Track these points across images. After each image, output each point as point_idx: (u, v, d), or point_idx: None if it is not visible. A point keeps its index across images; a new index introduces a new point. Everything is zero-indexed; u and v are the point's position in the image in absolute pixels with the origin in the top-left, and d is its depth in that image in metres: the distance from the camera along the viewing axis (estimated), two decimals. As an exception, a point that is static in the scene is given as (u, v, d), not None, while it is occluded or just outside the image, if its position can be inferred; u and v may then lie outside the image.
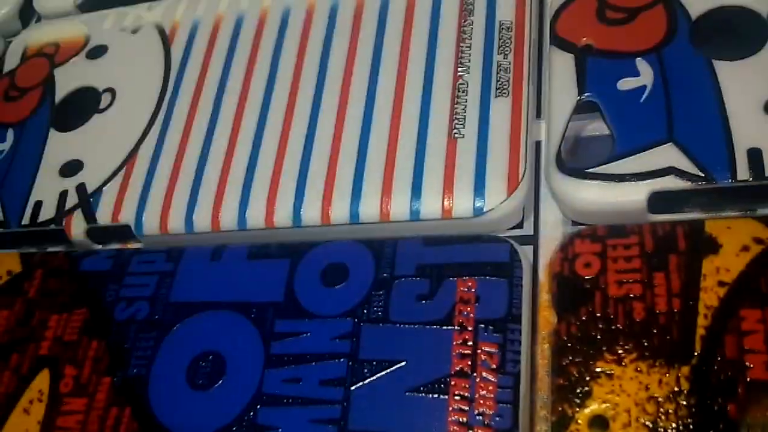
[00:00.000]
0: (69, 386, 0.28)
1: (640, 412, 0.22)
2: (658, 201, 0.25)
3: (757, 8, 0.27)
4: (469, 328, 0.25)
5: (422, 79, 0.30)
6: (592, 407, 0.22)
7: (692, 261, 0.24)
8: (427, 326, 0.25)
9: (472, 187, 0.27)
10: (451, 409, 0.23)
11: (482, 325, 0.25)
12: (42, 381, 0.28)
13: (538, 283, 0.26)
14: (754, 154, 0.25)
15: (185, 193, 0.31)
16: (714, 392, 0.22)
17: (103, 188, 0.32)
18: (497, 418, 0.23)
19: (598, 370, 0.23)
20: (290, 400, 0.25)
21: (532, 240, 0.27)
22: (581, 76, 0.28)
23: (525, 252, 0.26)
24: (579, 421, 0.22)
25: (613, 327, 0.23)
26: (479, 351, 0.24)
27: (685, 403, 0.22)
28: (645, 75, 0.27)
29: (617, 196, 0.25)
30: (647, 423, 0.22)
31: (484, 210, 0.27)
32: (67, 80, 0.37)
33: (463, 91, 0.29)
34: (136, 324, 0.28)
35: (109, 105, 0.35)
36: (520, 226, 0.28)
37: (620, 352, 0.23)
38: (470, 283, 0.25)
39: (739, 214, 0.25)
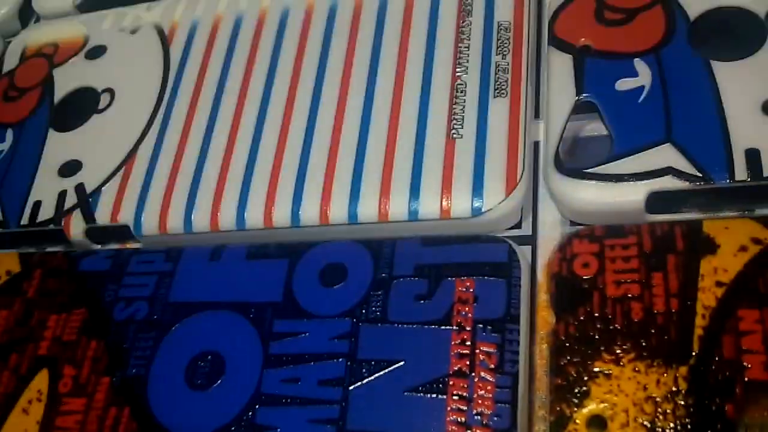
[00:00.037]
0: (68, 386, 0.28)
1: (638, 412, 0.22)
2: (656, 201, 0.25)
3: (755, 9, 0.27)
4: (468, 328, 0.25)
5: (421, 79, 0.30)
6: (591, 407, 0.22)
7: (690, 261, 0.24)
8: (426, 326, 0.25)
9: (471, 187, 0.27)
10: (449, 409, 0.23)
11: (480, 325, 0.25)
12: (41, 381, 0.29)
13: (536, 283, 0.26)
14: (752, 155, 0.25)
15: (184, 194, 0.31)
16: (712, 392, 0.22)
17: (102, 188, 0.32)
18: (495, 418, 0.23)
19: (596, 370, 0.23)
20: (289, 400, 0.25)
21: (531, 240, 0.27)
22: (579, 77, 0.28)
23: (523, 252, 0.26)
24: (577, 421, 0.22)
25: (611, 327, 0.23)
26: (477, 351, 0.24)
27: (683, 403, 0.22)
28: (643, 75, 0.27)
29: (615, 196, 0.26)
30: (645, 423, 0.22)
31: (483, 210, 0.27)
32: (66, 80, 0.37)
33: (461, 92, 0.29)
34: (135, 324, 0.28)
35: (108, 105, 0.35)
36: (518, 226, 0.28)
37: (618, 352, 0.23)
38: (468, 283, 0.25)
39: (737, 214, 0.25)
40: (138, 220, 0.31)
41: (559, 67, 0.28)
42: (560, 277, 0.25)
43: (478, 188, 0.27)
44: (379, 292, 0.26)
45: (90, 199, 0.32)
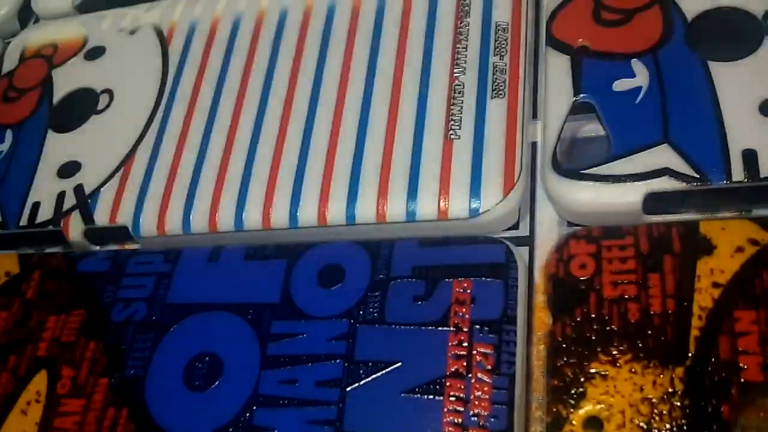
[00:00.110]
0: (66, 387, 0.28)
1: (635, 413, 0.22)
2: (654, 202, 0.25)
3: (752, 9, 0.27)
4: (465, 329, 0.25)
5: (418, 80, 0.30)
6: (587, 408, 0.22)
7: (687, 262, 0.24)
8: (423, 327, 0.25)
9: (468, 188, 0.27)
10: (446, 410, 0.23)
11: (477, 326, 0.25)
12: (39, 382, 0.29)
13: (533, 284, 0.26)
14: (749, 155, 0.25)
15: (182, 195, 0.31)
16: (708, 393, 0.22)
17: (101, 189, 0.32)
18: (492, 419, 0.23)
19: (592, 371, 0.23)
20: (286, 401, 0.25)
21: (528, 241, 0.27)
22: (577, 77, 0.28)
23: (521, 253, 0.26)
24: (573, 422, 0.22)
25: (607, 328, 0.23)
26: (474, 352, 0.24)
27: (679, 404, 0.22)
28: (640, 76, 0.27)
29: (612, 197, 0.26)
30: (641, 424, 0.22)
31: (480, 211, 0.27)
32: (65, 81, 0.37)
33: (459, 92, 0.29)
34: (134, 325, 0.29)
35: (107, 106, 0.35)
36: (515, 227, 0.28)
37: (615, 353, 0.23)
38: (466, 284, 0.25)
39: (734, 215, 0.25)
40: (137, 222, 0.31)
41: (557, 68, 0.28)
42: (557, 278, 0.25)
43: (475, 189, 0.27)
44: (377, 293, 0.26)
45: (89, 200, 0.32)
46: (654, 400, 0.22)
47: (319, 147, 0.30)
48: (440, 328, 0.25)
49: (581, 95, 0.28)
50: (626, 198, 0.25)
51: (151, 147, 0.33)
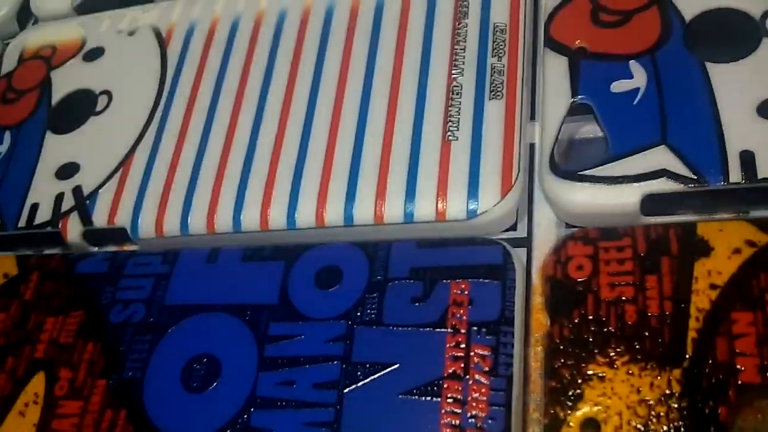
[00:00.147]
0: (64, 389, 0.28)
1: (632, 415, 0.22)
2: (651, 203, 0.25)
3: (750, 11, 0.27)
4: (462, 331, 0.25)
5: (417, 81, 0.30)
6: (584, 410, 0.22)
7: (684, 264, 0.24)
8: (421, 329, 0.25)
9: (466, 189, 0.27)
10: (443, 411, 0.23)
11: (475, 328, 0.25)
12: (37, 384, 0.29)
13: (531, 285, 0.26)
14: (747, 157, 0.25)
15: (181, 196, 0.31)
16: (705, 395, 0.22)
17: (99, 191, 0.32)
18: (489, 421, 0.23)
19: (590, 372, 0.23)
20: (284, 403, 0.25)
21: (526, 242, 0.27)
22: (575, 79, 0.28)
23: (518, 254, 0.26)
24: (571, 424, 0.22)
25: (605, 330, 0.23)
26: (472, 354, 0.24)
27: (676, 405, 0.22)
28: (638, 77, 0.27)
29: (610, 198, 0.25)
30: (638, 426, 0.22)
31: (478, 212, 0.27)
32: (64, 82, 0.37)
33: (457, 94, 0.29)
34: (132, 327, 0.29)
35: (106, 107, 0.35)
36: (513, 228, 0.28)
37: (612, 354, 0.23)
38: (463, 286, 0.25)
39: (732, 216, 0.25)
40: (135, 223, 0.31)
41: (555, 69, 0.28)
42: (555, 280, 0.25)
43: (473, 190, 0.27)
44: (374, 295, 0.26)
45: (87, 202, 0.32)
46: (651, 402, 0.22)
47: (318, 148, 0.30)
48: (438, 330, 0.25)
49: (579, 96, 0.28)
50: (624, 199, 0.25)
51: (150, 148, 0.33)
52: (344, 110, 0.30)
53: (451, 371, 0.24)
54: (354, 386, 0.25)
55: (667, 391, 0.22)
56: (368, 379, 0.25)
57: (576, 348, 0.23)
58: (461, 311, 0.25)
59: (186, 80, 0.34)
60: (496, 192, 0.27)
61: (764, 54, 0.26)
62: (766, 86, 0.26)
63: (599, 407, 0.22)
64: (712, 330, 0.22)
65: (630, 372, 0.22)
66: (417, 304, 0.26)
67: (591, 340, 0.23)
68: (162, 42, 0.36)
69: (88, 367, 0.28)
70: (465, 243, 0.27)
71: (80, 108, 0.35)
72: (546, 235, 0.27)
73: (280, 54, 0.33)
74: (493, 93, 0.29)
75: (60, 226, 0.32)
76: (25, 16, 0.42)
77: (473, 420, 0.23)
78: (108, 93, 0.35)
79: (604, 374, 0.23)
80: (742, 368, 0.22)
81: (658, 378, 0.22)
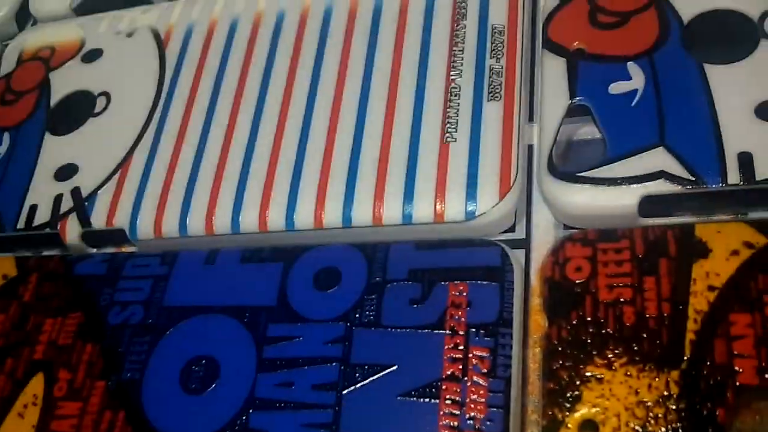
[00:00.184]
0: (63, 390, 0.28)
1: (630, 417, 0.22)
2: (649, 205, 0.25)
3: (748, 12, 0.27)
4: (461, 333, 0.25)
5: (415, 82, 0.30)
6: (582, 411, 0.22)
7: (682, 265, 0.24)
8: (419, 330, 0.25)
9: (464, 190, 0.27)
10: (442, 413, 0.23)
11: (473, 330, 0.25)
12: (36, 385, 0.29)
13: (529, 286, 0.26)
14: (745, 158, 0.25)
15: (179, 197, 0.31)
16: (703, 397, 0.22)
17: (98, 192, 0.32)
18: (488, 423, 0.23)
19: (588, 374, 0.23)
20: (282, 405, 0.25)
21: (524, 244, 0.27)
22: (573, 80, 0.28)
23: (517, 256, 0.26)
24: (569, 426, 0.22)
25: (603, 331, 0.23)
26: (470, 355, 0.24)
27: (674, 407, 0.22)
28: (636, 79, 0.27)
29: (608, 200, 0.26)
30: (637, 427, 0.22)
31: (476, 214, 0.27)
32: (63, 84, 0.37)
33: (455, 95, 0.29)
34: (130, 328, 0.29)
35: (104, 109, 0.35)
36: (512, 229, 0.28)
37: (610, 356, 0.23)
38: (462, 288, 0.25)
39: (730, 218, 0.25)
40: (133, 224, 0.31)
41: (553, 71, 0.29)
42: (553, 281, 0.25)
43: (471, 192, 0.27)
44: (373, 296, 0.26)
45: (86, 203, 0.32)
46: (649, 404, 0.22)
47: (316, 150, 0.30)
48: (436, 331, 0.25)
49: (577, 98, 0.28)
50: (622, 201, 0.25)
51: (148, 149, 0.33)
52: (343, 111, 0.30)
53: (449, 373, 0.24)
54: (352, 388, 0.25)
55: (665, 393, 0.22)
56: (367, 381, 0.25)
57: (574, 349, 0.23)
58: (459, 313, 0.25)
59: (185, 81, 0.34)
60: (495, 193, 0.27)
61: (762, 55, 0.26)
62: (764, 88, 0.26)
63: (597, 409, 0.22)
64: (710, 332, 0.22)
65: (628, 373, 0.23)
66: (415, 305, 0.26)
67: (589, 341, 0.23)
68: (161, 43, 0.36)
69: (87, 368, 0.28)
70: (463, 244, 0.27)
71: (79, 109, 0.35)
72: (544, 236, 0.27)
73: (279, 55, 0.33)
74: (491, 94, 0.29)
75: (59, 227, 0.32)
76: (24, 17, 0.42)
77: (471, 421, 0.23)
78: (107, 94, 0.35)
79: (602, 376, 0.23)
80: (740, 370, 0.22)
81: (656, 379, 0.22)
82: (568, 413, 0.23)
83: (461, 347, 0.24)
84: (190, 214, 0.30)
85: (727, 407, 0.21)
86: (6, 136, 0.36)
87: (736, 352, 0.22)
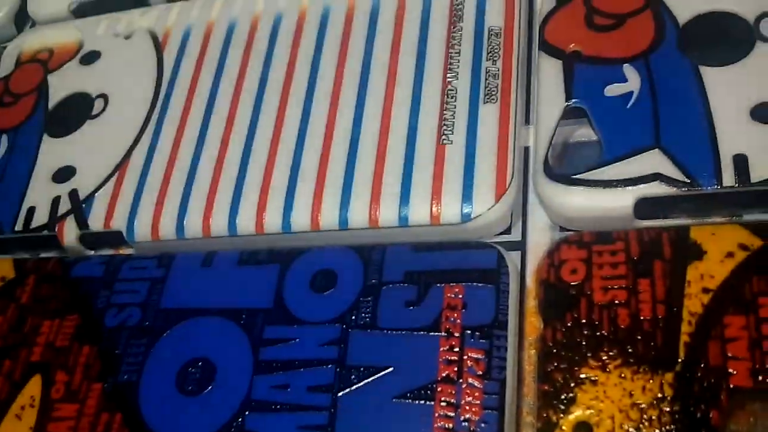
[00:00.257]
0: (60, 392, 0.28)
1: (624, 419, 0.22)
2: (645, 207, 0.25)
3: (744, 14, 0.27)
4: (456, 335, 0.25)
5: (412, 85, 0.30)
6: (577, 413, 0.22)
7: (677, 267, 0.24)
8: (415, 332, 0.25)
9: (461, 193, 0.27)
10: (437, 415, 0.24)
11: (469, 332, 0.25)
12: (34, 387, 0.29)
13: (525, 288, 0.26)
14: (740, 160, 0.25)
15: (176, 199, 0.31)
16: (697, 399, 0.22)
17: (96, 194, 0.32)
18: (483, 424, 0.23)
19: (582, 376, 0.23)
20: (278, 406, 0.25)
21: (520, 246, 0.27)
22: (569, 82, 0.28)
23: (512, 258, 0.26)
24: (563, 428, 0.22)
25: (597, 333, 0.23)
26: (466, 357, 0.24)
27: (668, 409, 0.22)
28: (632, 81, 0.27)
29: (604, 202, 0.26)
30: (631, 429, 0.22)
31: (472, 216, 0.27)
32: (61, 86, 0.37)
33: (452, 97, 0.29)
34: (127, 330, 0.29)
35: (102, 111, 0.35)
36: (508, 231, 0.28)
37: (605, 358, 0.23)
38: (457, 290, 0.25)
39: (726, 220, 0.25)
40: (131, 226, 0.31)
41: (549, 73, 0.29)
42: (548, 283, 0.25)
43: (467, 194, 0.27)
44: (369, 299, 0.26)
45: (83, 205, 0.32)
46: (643, 406, 0.22)
47: (313, 152, 0.30)
48: (432, 334, 0.25)
49: (573, 100, 0.28)
50: (618, 203, 0.25)
51: (146, 152, 0.33)
52: (339, 113, 0.30)
53: (444, 375, 0.24)
54: (348, 389, 0.25)
55: (660, 395, 0.22)
56: (362, 383, 0.25)
57: (569, 351, 0.23)
58: (455, 315, 0.25)
59: (182, 83, 0.34)
60: (491, 196, 0.27)
61: (758, 57, 0.26)
62: (760, 90, 0.26)
63: (592, 411, 0.22)
64: (704, 334, 0.22)
65: (622, 375, 0.23)
66: (411, 307, 0.26)
67: (584, 343, 0.23)
68: (158, 45, 0.36)
69: (84, 370, 0.28)
70: (459, 246, 0.27)
71: (77, 111, 0.36)
72: (540, 238, 0.27)
73: (276, 57, 0.33)
74: (487, 97, 0.29)
75: (56, 229, 0.32)
76: (22, 19, 0.42)
77: (466, 423, 0.23)
78: (104, 96, 0.35)
79: (596, 378, 0.23)
80: (734, 372, 0.22)
81: (651, 382, 0.22)
82: (562, 415, 0.23)
83: (456, 349, 0.24)
84: (187, 216, 0.30)
85: (720, 409, 0.21)
86: (4, 138, 0.36)
87: (730, 355, 0.22)
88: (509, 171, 0.27)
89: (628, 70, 0.27)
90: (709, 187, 0.25)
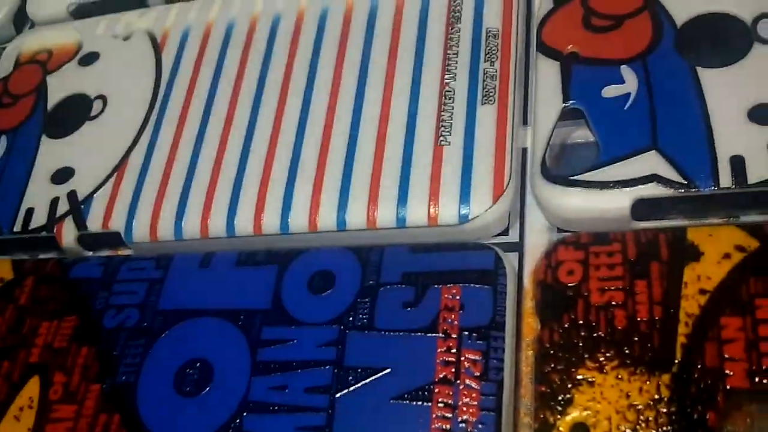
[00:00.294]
0: (58, 393, 0.28)
1: (621, 420, 0.22)
2: (642, 208, 0.25)
3: (741, 15, 0.27)
4: (453, 336, 0.25)
5: (409, 86, 0.30)
6: (574, 414, 0.23)
7: (674, 269, 0.24)
8: (412, 334, 0.25)
9: (458, 194, 0.27)
10: (434, 416, 0.24)
11: (466, 333, 0.25)
12: (32, 388, 0.29)
13: (522, 290, 0.26)
14: (737, 162, 0.25)
15: (174, 201, 0.31)
16: (694, 400, 0.22)
17: (94, 195, 0.32)
18: (480, 426, 0.23)
19: (579, 377, 0.23)
20: (276, 408, 0.25)
21: (518, 247, 0.27)
22: (566, 84, 0.28)
23: (510, 259, 0.26)
24: (560, 429, 0.22)
25: (594, 334, 0.23)
26: (463, 358, 0.24)
27: (665, 410, 0.22)
28: (629, 82, 0.27)
29: (601, 203, 0.26)
30: (627, 431, 0.22)
31: (470, 217, 0.27)
32: (60, 87, 0.37)
33: (449, 99, 0.29)
34: (125, 331, 0.29)
35: (101, 112, 0.35)
36: (505, 233, 0.28)
37: (602, 359, 0.23)
38: (455, 291, 0.26)
39: (723, 221, 0.25)
40: (129, 227, 0.31)
41: (547, 74, 0.29)
42: (545, 285, 0.25)
43: (465, 195, 0.27)
44: (367, 300, 0.26)
45: (82, 206, 0.32)
46: (640, 407, 0.22)
47: (310, 153, 0.30)
48: (429, 335, 0.25)
49: (571, 101, 0.28)
50: (615, 204, 0.25)
51: (144, 153, 0.33)
52: (337, 115, 0.31)
53: (442, 376, 0.24)
54: (345, 391, 0.25)
55: (656, 396, 0.22)
56: (360, 384, 0.25)
57: (566, 353, 0.23)
58: (452, 316, 0.25)
59: (181, 85, 0.34)
60: (488, 197, 0.27)
61: (755, 59, 0.26)
62: (757, 91, 0.26)
63: (588, 412, 0.22)
64: (701, 335, 0.22)
65: (619, 377, 0.23)
66: (409, 308, 0.26)
67: (581, 344, 0.23)
68: (157, 47, 0.36)
69: (83, 371, 0.28)
70: (457, 248, 0.27)
71: (75, 112, 0.36)
72: (538, 239, 0.27)
73: (274, 58, 0.33)
74: (485, 98, 0.29)
75: (55, 230, 0.32)
76: (21, 20, 0.42)
77: (464, 424, 0.23)
78: (103, 98, 0.35)
79: (593, 379, 0.23)
80: (731, 373, 0.22)
81: (647, 383, 0.22)
82: (559, 416, 0.23)
83: (454, 350, 0.24)
84: (186, 218, 0.30)
85: (717, 411, 0.21)
86: (3, 139, 0.36)
87: (726, 356, 0.22)
88: (507, 172, 0.27)
89: (626, 71, 0.28)
90: (706, 189, 0.25)
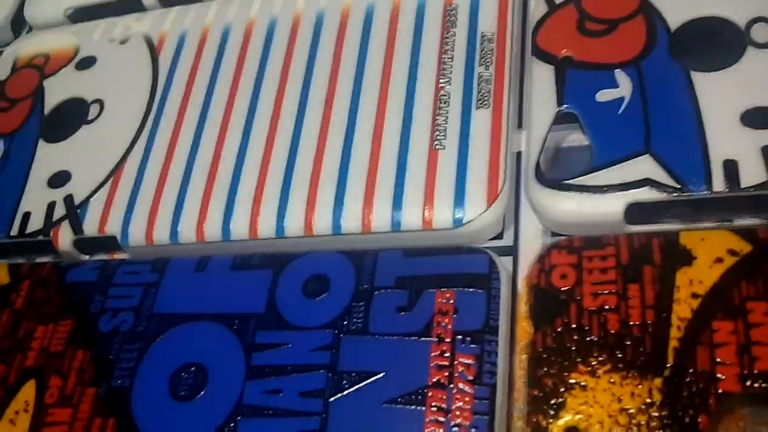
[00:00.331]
0: (54, 397, 0.28)
1: (613, 424, 0.22)
2: (635, 212, 0.25)
3: (735, 19, 0.27)
4: (447, 340, 0.25)
5: (405, 90, 0.30)
6: (566, 418, 0.23)
7: (666, 273, 0.24)
8: (406, 338, 0.25)
9: (453, 198, 0.27)
10: (427, 420, 0.24)
11: (460, 337, 0.25)
12: (28, 392, 0.29)
13: (516, 293, 0.26)
14: (730, 166, 0.25)
15: (171, 205, 0.31)
16: (686, 404, 0.22)
17: (91, 199, 0.32)
18: (473, 430, 0.23)
19: (572, 381, 0.23)
20: (270, 412, 0.25)
21: (512, 251, 0.27)
22: (561, 88, 0.28)
23: (504, 263, 0.26)
24: (553, 433, 0.23)
25: (587, 338, 0.23)
26: (456, 362, 0.24)
27: (657, 414, 0.22)
28: (623, 87, 0.27)
29: (595, 207, 0.26)
30: (620, 435, 0.22)
31: (464, 221, 0.27)
32: (57, 91, 0.37)
33: (444, 103, 0.29)
34: (121, 335, 0.29)
35: (97, 116, 0.35)
36: (500, 236, 0.28)
37: (594, 363, 0.23)
38: (449, 295, 0.26)
39: (716, 225, 0.25)
40: (125, 231, 0.31)
41: (541, 78, 0.29)
42: (539, 289, 0.25)
43: (459, 199, 0.27)
44: (361, 304, 0.26)
45: (78, 210, 0.32)
46: (632, 411, 0.22)
47: (306, 157, 0.30)
48: (423, 339, 0.25)
49: (565, 105, 0.28)
50: (608, 208, 0.26)
51: (141, 157, 0.33)
52: (333, 119, 0.31)
53: (435, 380, 0.24)
54: (339, 395, 0.25)
55: (648, 400, 0.22)
56: (353, 388, 0.25)
57: (558, 356, 0.23)
58: (446, 320, 0.25)
59: (177, 89, 0.34)
60: (483, 201, 0.27)
61: (749, 63, 0.27)
62: (751, 95, 0.26)
63: (581, 416, 0.22)
64: (693, 339, 0.22)
65: (611, 381, 0.23)
66: (402, 313, 0.26)
67: (573, 348, 0.23)
68: (154, 51, 0.36)
69: (78, 375, 0.28)
70: (451, 252, 0.27)
71: (72, 117, 0.36)
72: (532, 243, 0.27)
73: (271, 62, 0.33)
74: (480, 102, 0.29)
75: (51, 234, 0.32)
76: (19, 24, 0.42)
77: (457, 428, 0.23)
78: (100, 102, 0.36)
79: (586, 383, 0.23)
80: (723, 377, 0.22)
81: (640, 387, 0.22)
82: (552, 420, 0.23)
83: (447, 354, 0.24)
84: (182, 222, 0.30)
85: (709, 414, 0.21)
86: (0, 143, 0.36)
87: (718, 360, 0.22)
88: (501, 176, 0.27)
89: (620, 75, 0.28)
90: (699, 193, 0.25)
